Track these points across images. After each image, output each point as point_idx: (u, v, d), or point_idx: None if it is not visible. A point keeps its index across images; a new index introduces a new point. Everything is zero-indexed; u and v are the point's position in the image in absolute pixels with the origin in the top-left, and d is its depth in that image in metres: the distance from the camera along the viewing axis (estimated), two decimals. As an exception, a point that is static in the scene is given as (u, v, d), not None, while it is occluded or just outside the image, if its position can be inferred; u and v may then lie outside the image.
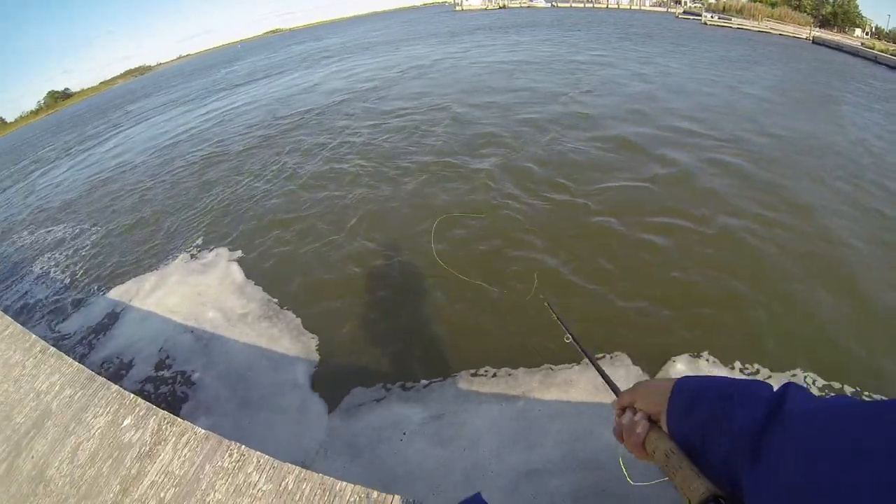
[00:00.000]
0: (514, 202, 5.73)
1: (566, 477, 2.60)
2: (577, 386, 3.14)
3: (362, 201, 6.34)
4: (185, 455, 1.73)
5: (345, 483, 1.54)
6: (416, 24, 46.70)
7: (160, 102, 24.12)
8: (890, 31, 31.18)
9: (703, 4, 38.63)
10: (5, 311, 3.49)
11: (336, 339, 3.96)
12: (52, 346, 2.50)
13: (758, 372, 3.25)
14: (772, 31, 28.53)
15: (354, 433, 3.04)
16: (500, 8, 56.41)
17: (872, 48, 21.17)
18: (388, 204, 6.15)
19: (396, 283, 4.55)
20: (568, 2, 51.56)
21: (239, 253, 5.63)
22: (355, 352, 3.79)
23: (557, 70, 13.70)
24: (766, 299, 3.93)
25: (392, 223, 5.67)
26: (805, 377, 3.21)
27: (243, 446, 1.71)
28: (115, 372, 4.05)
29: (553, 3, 53.06)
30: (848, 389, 3.14)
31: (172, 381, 3.80)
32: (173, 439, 1.80)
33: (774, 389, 0.51)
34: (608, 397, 0.87)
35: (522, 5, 55.86)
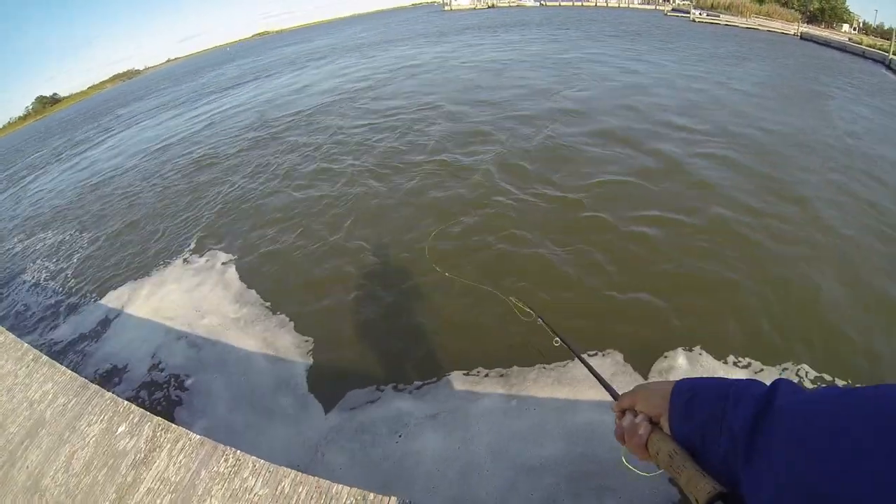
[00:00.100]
0: (506, 198, 5.76)
1: (563, 473, 2.62)
2: (571, 383, 3.16)
3: (356, 201, 6.34)
4: (180, 461, 1.72)
5: (341, 486, 1.54)
6: (405, 24, 46.59)
7: (150, 106, 23.93)
8: (877, 27, 31.51)
9: (691, 2, 38.80)
10: (-4, 320, 3.45)
11: (331, 340, 3.95)
12: (45, 354, 2.47)
13: (750, 365, 3.28)
14: (760, 27, 28.70)
15: (350, 435, 3.05)
16: (490, 7, 56.32)
17: (860, 43, 21.31)
18: (383, 203, 6.15)
19: (391, 284, 4.55)
20: (557, 0, 51.61)
21: (233, 255, 5.60)
22: (350, 353, 3.79)
23: (547, 67, 13.74)
24: (759, 288, 3.97)
25: (386, 223, 5.67)
26: (800, 367, 3.25)
27: (238, 451, 1.71)
28: (109, 379, 4.02)
29: (542, 2, 52.94)
30: (843, 376, 3.19)
31: (167, 386, 3.78)
32: (168, 446, 1.79)
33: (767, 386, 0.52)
34: (602, 393, 0.89)
35: (511, 4, 55.71)
